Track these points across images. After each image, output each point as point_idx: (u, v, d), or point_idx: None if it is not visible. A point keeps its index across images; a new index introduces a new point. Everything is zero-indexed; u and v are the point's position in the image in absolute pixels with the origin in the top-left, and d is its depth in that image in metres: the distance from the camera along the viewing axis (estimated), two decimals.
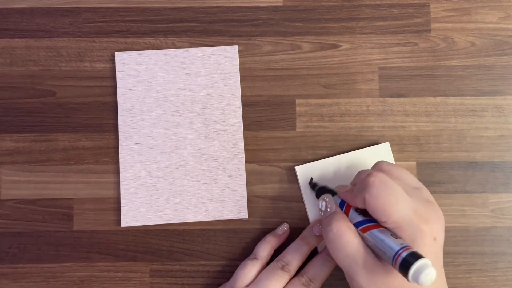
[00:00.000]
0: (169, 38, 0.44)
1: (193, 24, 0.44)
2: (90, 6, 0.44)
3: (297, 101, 0.44)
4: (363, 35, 0.44)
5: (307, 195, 0.42)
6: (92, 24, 0.44)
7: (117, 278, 0.42)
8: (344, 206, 0.37)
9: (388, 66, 0.44)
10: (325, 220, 0.36)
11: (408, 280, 0.30)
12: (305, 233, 0.40)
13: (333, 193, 0.39)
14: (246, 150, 0.43)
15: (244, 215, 0.42)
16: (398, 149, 0.43)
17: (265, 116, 0.44)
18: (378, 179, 0.33)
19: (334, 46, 0.44)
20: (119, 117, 0.43)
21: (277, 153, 0.43)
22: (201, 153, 0.43)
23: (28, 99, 0.43)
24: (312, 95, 0.44)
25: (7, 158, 0.43)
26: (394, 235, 0.32)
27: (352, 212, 0.36)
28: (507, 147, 0.43)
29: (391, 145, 0.43)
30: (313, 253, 0.41)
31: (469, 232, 0.42)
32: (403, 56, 0.44)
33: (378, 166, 0.37)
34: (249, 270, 0.39)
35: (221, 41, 0.44)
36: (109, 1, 0.44)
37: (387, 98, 0.44)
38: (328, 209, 0.37)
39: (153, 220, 0.42)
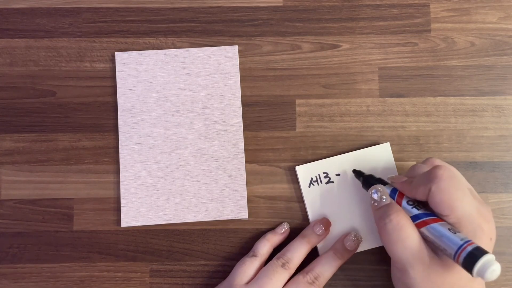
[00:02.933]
0: (169, 38, 0.44)
1: (193, 24, 0.44)
2: (90, 6, 0.44)
3: (297, 101, 0.44)
4: (363, 35, 0.44)
5: (308, 195, 0.42)
6: (92, 24, 0.44)
7: (117, 278, 0.42)
8: (395, 196, 0.36)
9: (388, 66, 0.44)
10: (379, 210, 0.35)
11: (472, 274, 0.29)
12: (306, 231, 0.40)
13: (382, 182, 0.38)
14: (246, 150, 0.43)
15: (244, 215, 0.42)
16: (398, 149, 0.43)
17: (265, 116, 0.44)
18: (447, 172, 0.33)
19: (334, 46, 0.44)
20: (119, 117, 0.43)
21: (277, 153, 0.43)
22: (201, 153, 0.43)
23: (28, 99, 0.43)
24: (312, 95, 0.44)
25: (7, 158, 0.43)
26: (453, 230, 0.32)
27: (405, 204, 0.35)
28: (507, 147, 0.43)
29: (391, 145, 0.43)
30: (313, 253, 0.41)
31: None
32: (403, 56, 0.44)
33: (431, 162, 0.37)
34: (247, 267, 0.39)
35: (221, 41, 0.44)
36: (109, 1, 0.44)
37: (387, 98, 0.44)
38: (384, 200, 0.36)
39: (153, 220, 0.42)
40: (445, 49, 0.44)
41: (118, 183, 0.43)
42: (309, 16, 0.44)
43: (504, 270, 0.42)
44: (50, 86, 0.44)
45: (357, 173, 0.41)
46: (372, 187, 0.37)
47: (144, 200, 0.42)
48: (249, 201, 0.43)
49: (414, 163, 0.43)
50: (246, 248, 0.42)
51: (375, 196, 0.37)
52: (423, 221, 0.34)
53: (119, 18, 0.44)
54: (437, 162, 0.38)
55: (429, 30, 0.44)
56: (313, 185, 0.42)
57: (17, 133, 0.43)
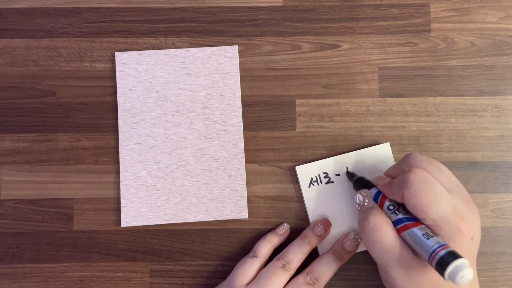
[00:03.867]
0: (169, 38, 0.44)
1: (193, 24, 0.44)
2: (90, 6, 0.44)
3: (297, 101, 0.44)
4: (363, 35, 0.44)
5: (308, 195, 0.42)
6: (92, 24, 0.44)
7: (117, 278, 0.42)
8: (379, 197, 0.37)
9: (388, 66, 0.44)
10: (362, 213, 0.36)
11: (444, 279, 0.30)
12: (306, 232, 0.40)
13: (370, 185, 0.39)
14: (246, 150, 0.43)
15: (244, 215, 0.42)
16: (398, 149, 0.43)
17: (265, 116, 0.43)
18: (418, 176, 0.33)
19: (334, 46, 0.44)
20: (119, 117, 0.43)
21: (277, 153, 0.43)
22: (201, 153, 0.43)
23: (28, 99, 0.43)
24: (312, 95, 0.44)
25: (7, 158, 0.43)
26: (432, 233, 0.32)
27: (386, 207, 0.36)
28: (507, 147, 0.43)
29: (391, 145, 0.43)
30: (312, 253, 0.41)
31: None
32: (403, 56, 0.44)
33: (417, 160, 0.36)
34: (248, 268, 0.39)
35: (221, 41, 0.44)
36: (109, 1, 0.44)
37: (387, 98, 0.44)
38: (366, 204, 0.37)
39: (153, 220, 0.42)
40: (445, 49, 0.44)
41: (118, 183, 0.43)
42: (309, 16, 0.44)
43: (504, 270, 0.42)
44: (50, 86, 0.44)
45: (350, 175, 0.41)
46: (359, 191, 0.38)
47: (144, 200, 0.42)
48: (249, 201, 0.43)
49: None
50: (246, 248, 0.42)
51: (358, 200, 0.38)
52: (403, 225, 0.34)
53: (119, 18, 0.44)
54: (412, 160, 0.36)
55: (429, 30, 0.44)
56: (313, 185, 0.42)
57: (17, 133, 0.43)
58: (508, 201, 0.43)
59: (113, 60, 0.44)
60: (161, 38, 0.44)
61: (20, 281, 0.42)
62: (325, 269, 0.39)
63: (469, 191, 0.43)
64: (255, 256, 0.39)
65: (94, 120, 0.43)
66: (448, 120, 0.43)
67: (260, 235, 0.42)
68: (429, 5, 0.44)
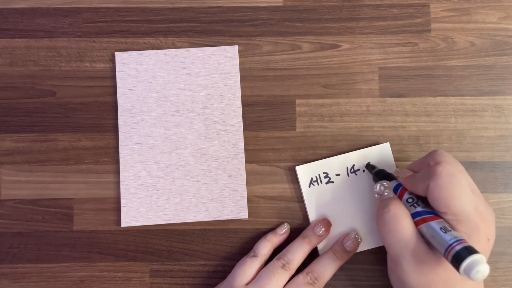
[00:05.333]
0: (169, 38, 0.44)
1: (193, 24, 0.44)
2: (90, 6, 0.44)
3: (297, 101, 0.44)
4: (363, 35, 0.44)
5: (308, 195, 0.42)
6: (92, 24, 0.44)
7: (117, 278, 0.42)
8: (398, 190, 0.37)
9: (388, 66, 0.44)
10: (381, 202, 0.36)
11: (459, 273, 0.29)
12: (306, 232, 0.40)
13: (390, 178, 0.39)
14: (246, 150, 0.43)
15: (244, 215, 0.42)
16: (398, 149, 0.43)
17: (265, 116, 0.43)
18: (446, 170, 0.33)
19: (334, 46, 0.44)
20: (119, 117, 0.43)
21: (277, 153, 0.43)
22: (201, 153, 0.43)
23: (28, 99, 0.43)
24: (312, 95, 0.44)
25: (7, 158, 0.43)
26: (450, 227, 0.32)
27: (405, 200, 0.36)
28: (507, 147, 0.43)
29: (391, 145, 0.43)
30: (312, 253, 0.41)
31: None
32: (403, 56, 0.44)
33: (445, 156, 0.36)
34: (248, 268, 0.39)
35: (221, 41, 0.44)
36: (109, 1, 0.44)
37: (387, 98, 0.44)
38: (386, 194, 0.37)
39: (153, 220, 0.42)
40: (445, 49, 0.44)
41: (118, 183, 0.43)
42: (309, 16, 0.44)
43: (504, 270, 0.42)
44: (50, 86, 0.44)
45: (370, 167, 0.41)
46: (378, 182, 0.38)
47: (144, 200, 0.42)
48: (249, 201, 0.43)
49: None
50: (246, 248, 0.42)
51: (378, 190, 0.37)
52: (422, 218, 0.34)
53: (119, 18, 0.44)
54: (440, 156, 0.36)
55: (429, 30, 0.44)
56: (313, 185, 0.42)
57: (17, 133, 0.43)
58: (508, 201, 0.43)
59: (113, 60, 0.44)
60: (161, 38, 0.44)
61: (20, 281, 0.42)
62: (325, 269, 0.39)
63: None
64: (255, 255, 0.39)
65: (94, 120, 0.43)
66: (448, 120, 0.43)
67: (260, 235, 0.42)
68: (429, 5, 0.44)
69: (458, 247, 0.30)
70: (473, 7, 0.44)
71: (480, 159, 0.43)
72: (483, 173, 0.43)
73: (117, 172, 0.43)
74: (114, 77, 0.44)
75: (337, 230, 0.41)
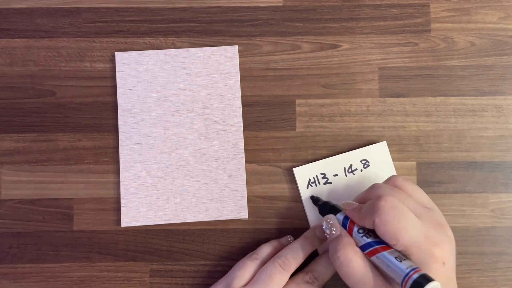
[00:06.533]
0: (169, 38, 0.44)
1: (193, 24, 0.44)
2: (90, 6, 0.44)
3: (297, 101, 0.44)
4: (363, 35, 0.44)
5: (306, 197, 0.42)
6: (92, 24, 0.44)
7: (117, 278, 0.42)
8: (348, 222, 0.36)
9: (388, 66, 0.44)
10: (331, 245, 0.36)
11: None
12: (308, 233, 0.40)
13: (336, 209, 0.38)
14: (246, 150, 0.43)
15: (244, 215, 0.42)
16: (398, 149, 0.43)
17: (265, 116, 0.44)
18: (388, 204, 0.33)
19: (334, 46, 0.44)
20: (119, 117, 0.43)
21: (277, 153, 0.43)
22: (201, 153, 0.43)
23: (28, 99, 0.43)
24: (312, 95, 0.44)
25: (7, 158, 0.43)
26: (403, 257, 0.32)
27: (356, 231, 0.35)
28: (507, 147, 0.43)
29: (392, 145, 0.43)
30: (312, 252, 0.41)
31: (469, 232, 0.42)
32: (403, 56, 0.44)
33: (391, 182, 0.37)
34: (248, 268, 0.39)
35: (221, 41, 0.44)
36: (109, 1, 0.44)
37: (387, 98, 0.44)
38: (333, 232, 0.37)
39: (153, 220, 0.42)
40: (445, 49, 0.44)
41: (118, 183, 0.43)
42: (309, 16, 0.44)
43: (504, 270, 0.42)
44: (50, 86, 0.44)
45: (315, 200, 0.41)
46: (324, 217, 0.38)
47: (144, 200, 0.42)
48: (249, 201, 0.43)
49: (414, 163, 0.43)
50: (246, 248, 0.42)
51: (325, 229, 0.37)
52: (374, 249, 0.34)
53: (119, 18, 0.44)
54: (398, 182, 0.37)
55: (429, 30, 0.44)
56: (311, 186, 0.42)
57: (17, 133, 0.43)
58: (508, 201, 0.43)
59: (113, 60, 0.44)
60: (161, 38, 0.44)
61: (20, 281, 0.42)
62: (325, 269, 0.38)
63: (469, 191, 0.43)
64: (256, 258, 0.39)
65: (94, 120, 0.43)
66: (448, 120, 0.43)
67: (260, 235, 0.42)
68: (429, 5, 0.44)
69: (414, 276, 0.30)
70: (473, 7, 0.44)
71: (480, 159, 0.43)
72: (483, 173, 0.43)
73: (117, 172, 0.43)
74: (114, 77, 0.44)
75: None
